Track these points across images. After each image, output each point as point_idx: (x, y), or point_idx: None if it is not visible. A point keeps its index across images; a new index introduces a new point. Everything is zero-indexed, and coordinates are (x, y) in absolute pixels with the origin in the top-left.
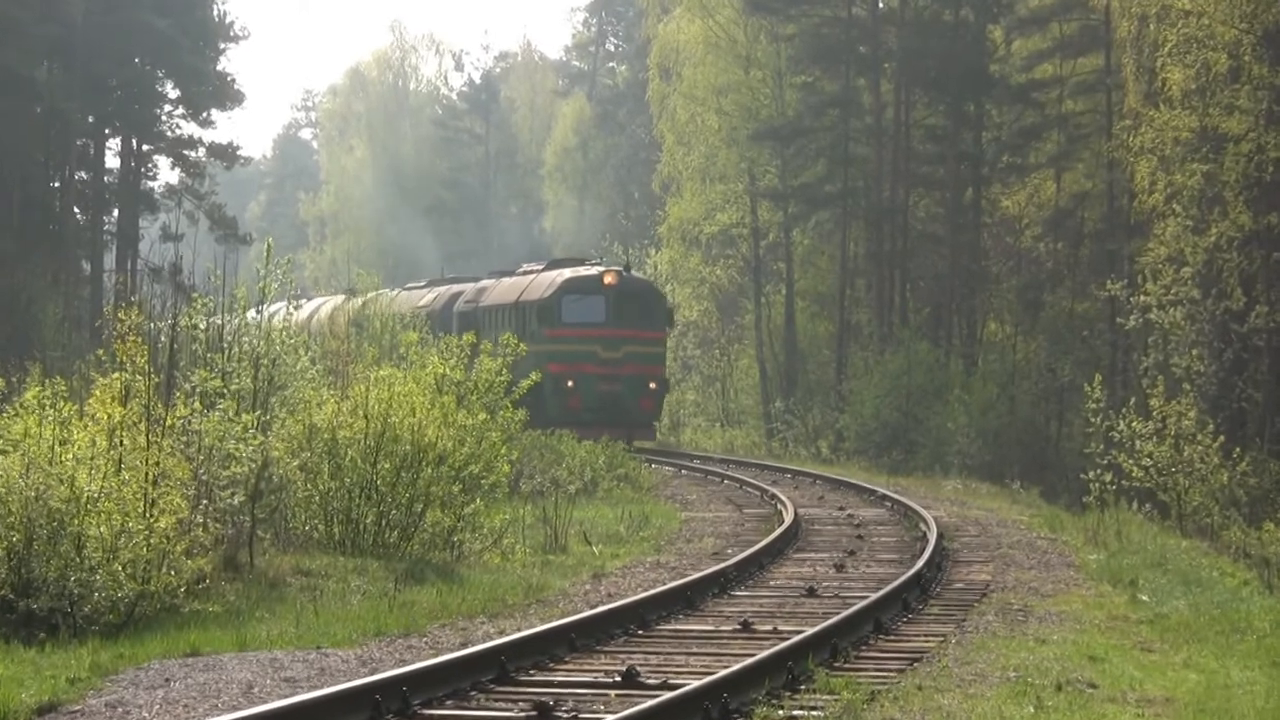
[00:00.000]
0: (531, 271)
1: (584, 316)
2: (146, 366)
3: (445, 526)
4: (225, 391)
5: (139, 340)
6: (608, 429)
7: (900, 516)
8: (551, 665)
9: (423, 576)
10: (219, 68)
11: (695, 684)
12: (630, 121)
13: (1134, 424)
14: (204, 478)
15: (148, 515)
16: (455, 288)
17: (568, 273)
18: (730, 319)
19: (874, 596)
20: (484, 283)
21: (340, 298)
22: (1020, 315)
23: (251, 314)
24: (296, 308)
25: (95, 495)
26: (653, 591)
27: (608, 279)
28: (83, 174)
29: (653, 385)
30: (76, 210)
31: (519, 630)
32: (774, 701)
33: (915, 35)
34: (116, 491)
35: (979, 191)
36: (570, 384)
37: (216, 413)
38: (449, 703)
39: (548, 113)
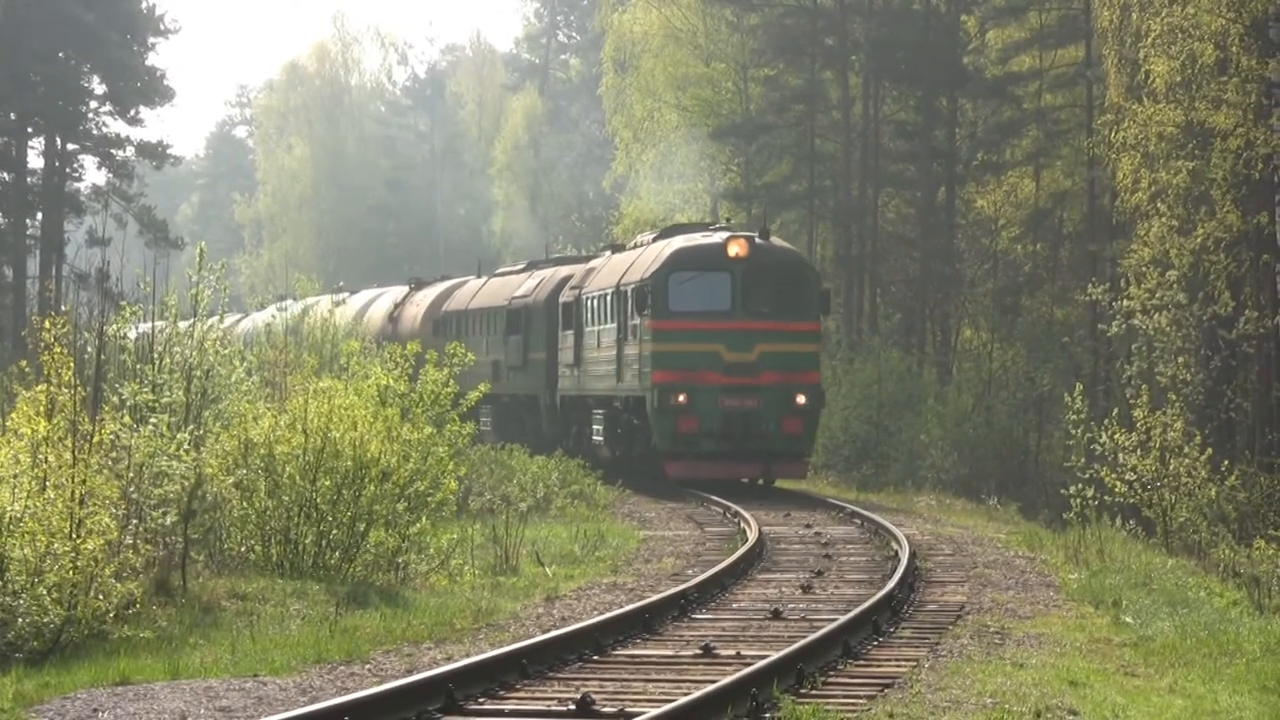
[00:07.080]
0: (641, 244)
1: (701, 303)
2: (73, 379)
3: (389, 547)
4: (156, 405)
5: (64, 351)
6: (737, 462)
7: (870, 534)
8: (502, 693)
9: (366, 600)
10: (148, 62)
11: (653, 713)
12: (584, 117)
13: (1117, 436)
14: (134, 496)
15: (74, 536)
16: (564, 271)
17: (678, 242)
18: None
19: (843, 619)
20: (593, 263)
21: (400, 289)
22: (996, 321)
23: (273, 311)
24: (340, 303)
25: (18, 515)
26: (609, 615)
27: (734, 249)
28: (4, 175)
29: (801, 399)
30: None
31: (467, 656)
32: None
33: (884, 26)
34: (41, 511)
35: (952, 191)
36: (682, 399)
37: (147, 428)
38: None
39: (497, 108)
